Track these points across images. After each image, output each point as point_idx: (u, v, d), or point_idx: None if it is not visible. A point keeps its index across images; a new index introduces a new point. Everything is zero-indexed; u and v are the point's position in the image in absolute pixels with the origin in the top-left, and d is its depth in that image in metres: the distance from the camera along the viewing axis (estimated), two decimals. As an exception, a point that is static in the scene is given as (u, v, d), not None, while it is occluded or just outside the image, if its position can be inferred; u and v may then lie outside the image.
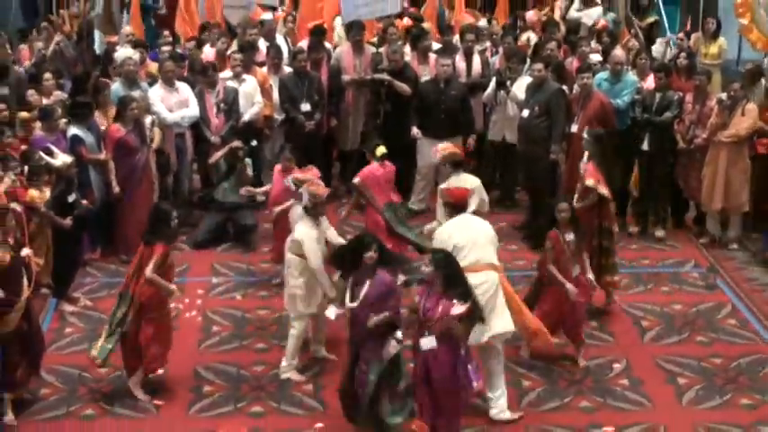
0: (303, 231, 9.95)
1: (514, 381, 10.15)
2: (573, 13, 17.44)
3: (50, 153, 11.53)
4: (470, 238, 9.31)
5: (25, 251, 9.72)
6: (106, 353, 9.58)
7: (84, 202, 11.68)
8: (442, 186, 10.41)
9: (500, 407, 9.36)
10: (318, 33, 14.85)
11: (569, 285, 9.96)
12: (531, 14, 17.19)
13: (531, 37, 16.12)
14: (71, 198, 11.44)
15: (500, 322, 9.24)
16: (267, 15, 15.54)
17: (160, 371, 9.83)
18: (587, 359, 10.33)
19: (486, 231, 9.49)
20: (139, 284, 9.50)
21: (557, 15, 17.23)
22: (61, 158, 11.55)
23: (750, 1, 12.87)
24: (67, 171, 11.54)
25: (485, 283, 9.14)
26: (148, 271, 9.39)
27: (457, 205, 9.79)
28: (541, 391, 10.03)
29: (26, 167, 11.25)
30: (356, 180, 11.67)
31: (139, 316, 9.53)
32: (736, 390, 10.04)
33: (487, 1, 18.41)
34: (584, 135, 11.70)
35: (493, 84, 13.92)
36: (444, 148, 11.36)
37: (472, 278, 8.87)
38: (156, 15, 18.50)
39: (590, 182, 11.03)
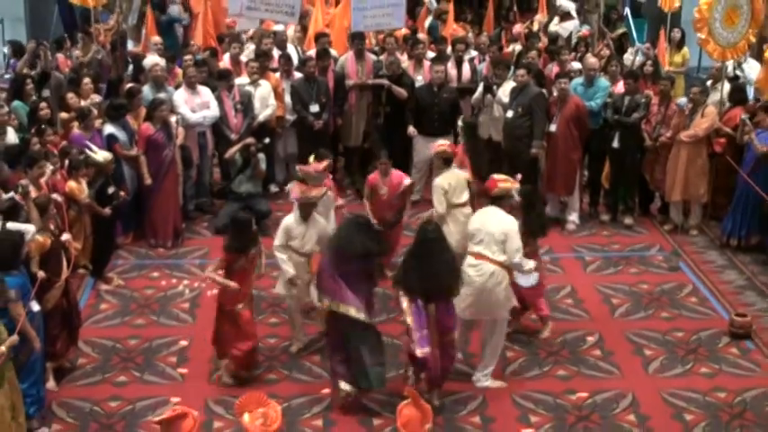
0: (284, 223, 10.03)
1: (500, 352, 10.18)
2: (552, 27, 17.44)
3: (92, 151, 11.60)
4: (485, 229, 9.27)
5: (65, 236, 9.75)
6: None
7: (122, 193, 11.72)
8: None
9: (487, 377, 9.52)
10: (322, 41, 14.88)
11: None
12: (517, 27, 17.16)
13: (515, 48, 16.10)
14: (110, 190, 11.53)
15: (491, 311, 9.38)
16: (279, 26, 15.49)
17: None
18: (563, 333, 10.32)
19: (503, 229, 9.21)
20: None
21: (536, 28, 17.20)
22: (102, 155, 11.61)
23: (707, 16, 12.87)
24: (107, 166, 11.61)
25: (478, 266, 9.17)
26: (208, 270, 9.31)
27: (490, 196, 9.58)
28: (523, 361, 10.05)
29: (66, 162, 11.30)
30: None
31: (219, 313, 9.47)
32: (696, 360, 10.06)
33: (476, 15, 18.35)
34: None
35: (480, 88, 13.91)
36: (439, 145, 11.37)
37: (470, 262, 9.12)
38: (182, 27, 18.38)
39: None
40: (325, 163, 10.69)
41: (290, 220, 10.03)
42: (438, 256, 8.79)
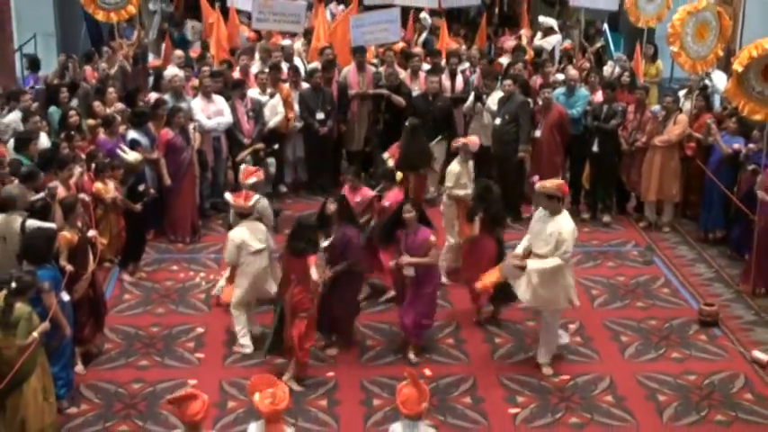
0: (232, 233, 9.93)
1: (488, 338, 10.20)
2: (536, 41, 17.42)
3: (124, 152, 11.73)
4: (537, 229, 9.26)
5: (91, 233, 9.76)
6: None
7: (151, 191, 11.76)
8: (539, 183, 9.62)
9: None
10: (326, 54, 14.89)
11: None
12: (510, 42, 17.16)
13: (502, 61, 16.07)
14: (140, 188, 11.58)
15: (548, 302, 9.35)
16: (286, 41, 15.48)
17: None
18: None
19: (556, 230, 9.04)
20: (291, 290, 9.15)
21: (523, 42, 17.17)
22: (132, 155, 11.73)
23: (679, 31, 12.86)
24: (137, 166, 11.71)
25: (540, 262, 9.13)
26: (313, 275, 9.07)
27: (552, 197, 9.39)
28: (510, 346, 10.06)
29: (93, 164, 11.33)
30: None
31: (293, 316, 9.17)
32: (668, 346, 10.08)
33: (468, 31, 18.33)
34: (406, 123, 12.22)
35: (471, 97, 13.91)
36: (460, 139, 11.93)
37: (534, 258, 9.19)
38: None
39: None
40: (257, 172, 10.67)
41: (233, 234, 9.88)
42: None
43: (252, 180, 10.48)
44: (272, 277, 10.04)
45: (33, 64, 15.38)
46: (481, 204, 10.25)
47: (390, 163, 11.66)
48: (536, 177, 10.00)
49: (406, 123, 12.45)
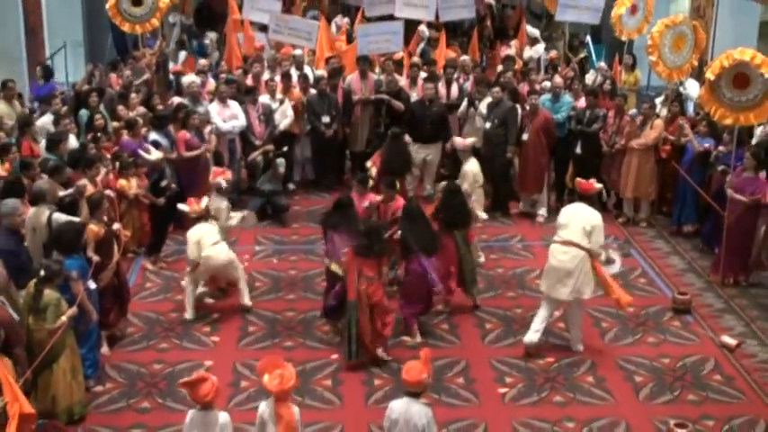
0: (189, 232, 10.24)
1: (479, 324, 10.18)
2: (526, 52, 17.39)
3: (147, 152, 11.88)
4: (572, 220, 9.29)
5: (116, 226, 9.76)
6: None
7: (173, 186, 11.81)
8: (577, 180, 9.97)
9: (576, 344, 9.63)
10: (331, 62, 14.87)
11: None
12: (511, 50, 17.14)
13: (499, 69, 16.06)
14: (163, 183, 11.64)
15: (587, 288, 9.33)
16: (298, 51, 15.46)
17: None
18: (534, 309, 10.17)
19: (587, 221, 9.21)
20: (369, 287, 9.06)
21: (512, 52, 17.15)
22: (155, 155, 11.88)
23: (657, 42, 12.85)
24: (160, 164, 11.83)
25: (567, 253, 9.19)
26: (385, 276, 9.41)
27: (582, 195, 9.62)
28: (499, 331, 10.05)
29: (117, 163, 11.34)
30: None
31: (374, 311, 9.13)
32: (644, 331, 10.08)
33: (462, 42, 18.28)
34: (389, 132, 12.27)
35: (465, 103, 13.89)
36: (459, 141, 12.21)
37: (560, 248, 9.26)
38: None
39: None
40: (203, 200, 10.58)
41: (191, 233, 10.19)
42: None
43: (218, 180, 10.76)
44: (231, 264, 10.25)
45: (47, 74, 15.25)
46: (443, 207, 10.25)
47: (373, 171, 11.59)
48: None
49: (389, 132, 12.39)
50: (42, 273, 7.92)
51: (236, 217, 11.00)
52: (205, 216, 10.30)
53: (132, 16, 14.64)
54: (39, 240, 9.19)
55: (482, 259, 11.60)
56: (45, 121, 12.36)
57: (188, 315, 10.20)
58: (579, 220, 9.27)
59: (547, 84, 14.17)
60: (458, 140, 12.42)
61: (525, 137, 13.10)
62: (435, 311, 10.28)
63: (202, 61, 15.58)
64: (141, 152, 11.80)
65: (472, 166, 11.89)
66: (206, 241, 10.06)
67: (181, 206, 10.54)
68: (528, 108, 13.24)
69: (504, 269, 11.55)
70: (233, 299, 10.58)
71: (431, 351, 9.17)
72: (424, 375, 6.71)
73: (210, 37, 18.56)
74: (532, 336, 9.44)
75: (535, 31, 17.72)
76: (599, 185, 9.90)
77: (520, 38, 18.05)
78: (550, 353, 9.56)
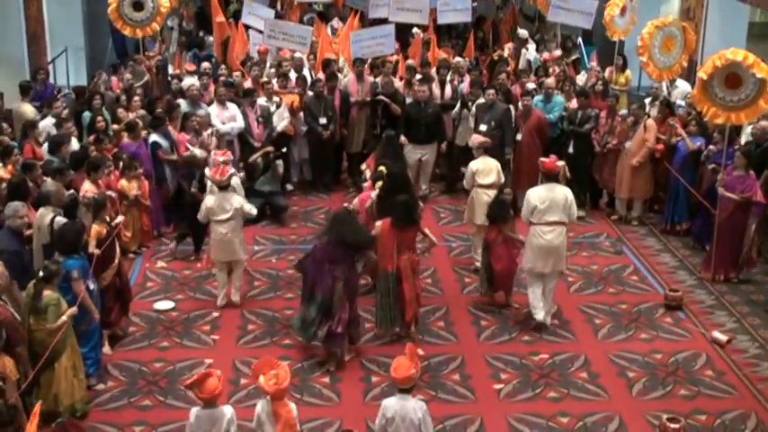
0: (206, 198, 10.48)
1: (475, 321, 10.16)
2: (525, 54, 17.33)
3: (191, 147, 12.09)
4: (551, 202, 9.73)
5: (118, 218, 9.77)
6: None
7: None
8: (540, 159, 10.36)
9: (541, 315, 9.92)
10: (327, 65, 14.85)
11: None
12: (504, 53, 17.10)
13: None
14: (206, 179, 11.43)
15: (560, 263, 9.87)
16: (297, 53, 15.43)
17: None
18: (528, 306, 10.28)
19: (563, 197, 9.77)
20: (412, 256, 9.43)
21: (506, 54, 17.11)
22: (198, 151, 12.03)
23: (647, 44, 12.85)
24: (203, 161, 11.82)
25: (553, 231, 9.73)
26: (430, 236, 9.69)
27: (547, 174, 9.95)
28: (495, 328, 10.03)
29: (120, 164, 11.31)
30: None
31: (413, 276, 9.46)
32: (636, 327, 10.06)
33: (457, 45, 18.22)
34: (383, 135, 12.16)
35: (458, 104, 13.87)
36: (476, 138, 11.74)
37: (547, 229, 9.71)
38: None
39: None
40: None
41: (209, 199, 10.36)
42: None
43: (224, 158, 10.75)
44: (239, 245, 10.40)
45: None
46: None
47: (367, 174, 11.55)
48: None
49: (383, 135, 12.34)
50: (41, 273, 7.90)
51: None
52: (226, 187, 10.33)
53: (133, 21, 14.65)
54: (39, 242, 9.17)
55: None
56: (46, 124, 12.31)
57: (219, 300, 10.41)
58: (557, 199, 9.75)
59: (530, 84, 14.14)
60: (474, 137, 12.07)
61: (519, 137, 13.07)
62: (432, 309, 10.26)
63: (205, 64, 15.54)
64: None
65: (478, 164, 11.37)
66: (216, 213, 10.21)
67: (206, 171, 10.72)
68: (521, 109, 13.20)
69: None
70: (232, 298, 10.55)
71: (427, 348, 9.31)
72: (413, 371, 6.70)
73: (209, 41, 18.52)
74: (541, 314, 9.83)
75: (524, 33, 17.68)
76: (561, 163, 10.18)
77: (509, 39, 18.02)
78: (545, 349, 9.54)
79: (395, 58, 15.60)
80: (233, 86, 13.94)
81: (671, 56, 12.92)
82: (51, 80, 15.98)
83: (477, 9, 19.31)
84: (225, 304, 10.40)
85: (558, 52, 16.63)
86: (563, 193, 9.81)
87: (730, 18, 16.65)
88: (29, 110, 12.96)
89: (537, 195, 9.84)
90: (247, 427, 7.23)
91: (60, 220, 9.14)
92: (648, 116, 12.96)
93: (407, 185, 10.23)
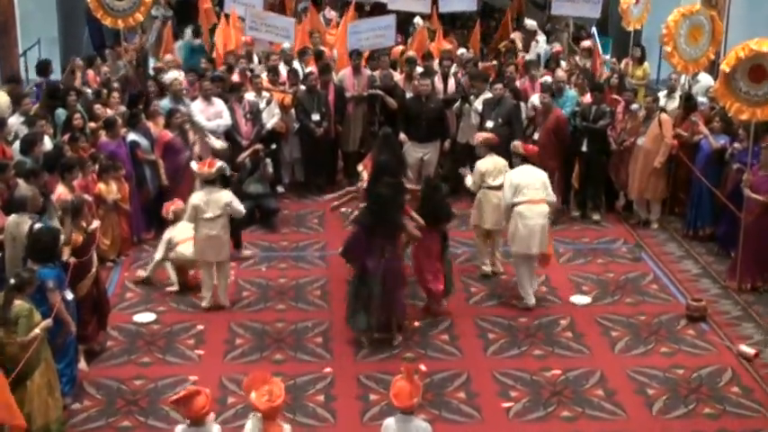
0: (192, 196, 10.70)
1: (482, 334, 10.15)
2: (536, 48, 17.35)
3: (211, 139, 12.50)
4: (531, 179, 10.53)
5: (94, 224, 9.67)
6: None
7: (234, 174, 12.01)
8: (515, 143, 11.60)
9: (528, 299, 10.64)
10: (320, 57, 14.89)
11: None
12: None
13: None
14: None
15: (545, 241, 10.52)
16: (286, 45, 15.44)
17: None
18: (539, 317, 10.30)
19: (541, 177, 10.62)
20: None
21: (519, 44, 17.11)
22: (218, 143, 12.45)
23: (672, 32, 12.77)
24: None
25: (537, 208, 10.45)
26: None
27: (526, 157, 11.06)
28: (503, 342, 10.02)
29: (97, 166, 11.28)
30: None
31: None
32: (657, 340, 10.05)
33: (461, 36, 18.24)
34: (380, 132, 12.19)
35: (459, 99, 13.88)
36: (480, 135, 11.87)
37: (531, 207, 10.40)
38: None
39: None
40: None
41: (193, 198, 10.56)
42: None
43: (219, 143, 10.98)
44: (227, 244, 10.63)
45: (43, 69, 15.16)
46: (427, 203, 10.37)
47: (365, 175, 11.54)
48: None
49: (380, 133, 12.36)
50: (12, 281, 7.85)
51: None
52: (214, 181, 10.47)
53: (115, 10, 14.60)
54: (18, 252, 9.13)
55: (500, 268, 11.60)
56: (14, 122, 12.10)
57: (203, 301, 10.58)
58: (537, 177, 10.60)
59: (548, 78, 14.13)
60: (477, 134, 12.15)
61: (536, 137, 13.03)
62: (435, 320, 10.25)
63: (168, 56, 15.50)
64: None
65: (486, 164, 11.36)
66: (204, 211, 10.35)
67: (193, 165, 10.91)
68: (540, 106, 13.15)
69: (507, 276, 11.49)
70: (218, 309, 10.53)
71: (430, 363, 9.29)
72: (415, 400, 6.69)
73: (187, 32, 18.46)
74: (532, 298, 10.63)
75: (533, 24, 17.67)
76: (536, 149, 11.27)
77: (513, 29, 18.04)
78: (557, 364, 9.53)
79: (400, 49, 15.57)
80: (221, 81, 13.90)
81: (698, 47, 12.74)
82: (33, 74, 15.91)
83: None
84: (211, 306, 10.48)
85: (557, 46, 16.63)
86: (541, 174, 10.67)
87: (756, 5, 16.67)
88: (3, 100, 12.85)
89: (518, 174, 10.67)
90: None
91: (39, 227, 9.07)
92: (663, 110, 12.93)
93: (396, 174, 10.46)
